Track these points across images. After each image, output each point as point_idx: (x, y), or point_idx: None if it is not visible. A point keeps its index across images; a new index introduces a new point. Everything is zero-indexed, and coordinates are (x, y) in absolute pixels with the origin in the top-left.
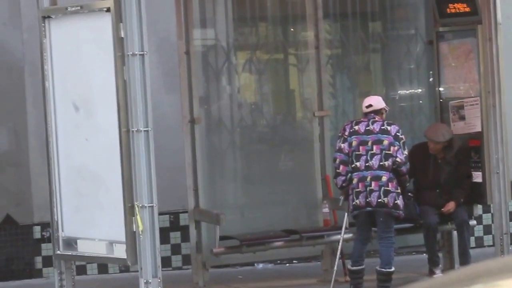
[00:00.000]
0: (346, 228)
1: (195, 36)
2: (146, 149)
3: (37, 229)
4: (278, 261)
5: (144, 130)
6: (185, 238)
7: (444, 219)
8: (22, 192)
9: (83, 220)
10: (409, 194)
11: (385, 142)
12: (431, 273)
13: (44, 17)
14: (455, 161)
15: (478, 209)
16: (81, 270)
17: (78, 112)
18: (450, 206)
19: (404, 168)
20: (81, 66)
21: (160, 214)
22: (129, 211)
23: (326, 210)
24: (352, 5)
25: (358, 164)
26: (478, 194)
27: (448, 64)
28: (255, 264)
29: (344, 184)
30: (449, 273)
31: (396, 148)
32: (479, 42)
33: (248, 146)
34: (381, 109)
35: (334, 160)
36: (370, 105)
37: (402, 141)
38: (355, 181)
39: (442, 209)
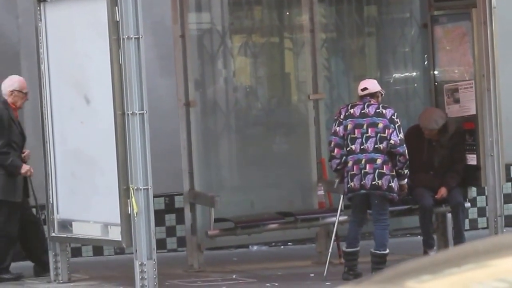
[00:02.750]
0: (341, 211)
1: (190, 19)
2: (141, 132)
3: (32, 211)
4: (273, 243)
5: (139, 113)
6: (180, 220)
7: (439, 201)
8: None
9: (78, 203)
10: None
11: (380, 125)
12: (426, 255)
13: (39, 1)
14: (450, 144)
15: (473, 191)
16: (76, 252)
17: (89, 105)
18: (442, 192)
19: (400, 149)
20: (76, 50)
21: (155, 196)
22: (124, 194)
23: (321, 192)
24: None
25: (353, 147)
26: (472, 176)
27: (443, 47)
28: (250, 246)
29: (339, 167)
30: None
31: (391, 131)
32: (473, 26)
33: (243, 129)
34: (376, 92)
35: (329, 143)
36: (366, 88)
37: (397, 124)
38: (350, 164)
39: (435, 196)
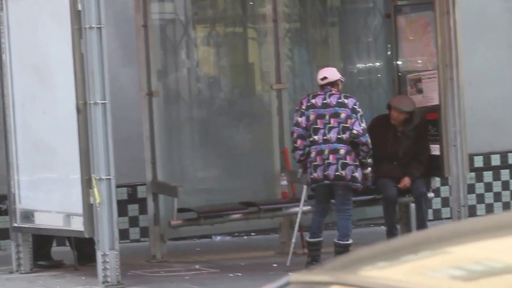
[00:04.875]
0: (304, 201)
1: (153, 9)
2: (103, 121)
3: None
4: (236, 234)
5: (102, 103)
6: (143, 210)
7: (403, 191)
8: None
9: (40, 193)
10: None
11: (342, 115)
12: None
13: None
14: (414, 134)
15: (436, 181)
16: None
17: (51, 94)
18: (406, 181)
19: (363, 138)
20: (38, 39)
21: (118, 186)
22: (86, 184)
23: (284, 182)
24: None
25: (316, 137)
26: (436, 166)
27: (406, 37)
28: (213, 237)
29: (302, 158)
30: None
31: (353, 120)
32: (436, 16)
33: (206, 119)
34: (336, 80)
35: (292, 134)
36: (325, 77)
37: (360, 114)
38: (313, 154)
39: (398, 185)
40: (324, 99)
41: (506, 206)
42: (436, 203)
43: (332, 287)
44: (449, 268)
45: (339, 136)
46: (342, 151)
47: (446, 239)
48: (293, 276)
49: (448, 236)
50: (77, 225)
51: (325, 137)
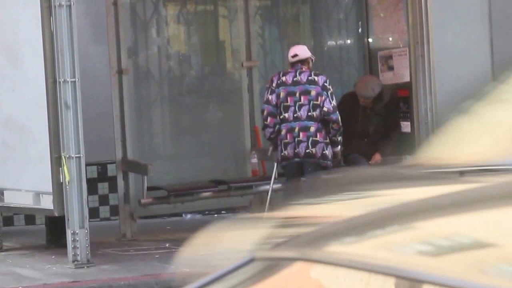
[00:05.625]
0: (275, 178)
1: None
2: (73, 99)
3: None
4: (207, 212)
5: (71, 81)
6: (113, 189)
7: None
8: None
9: (10, 171)
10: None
11: (313, 93)
12: None
13: None
14: (385, 112)
15: (407, 159)
16: (8, 222)
17: (20, 72)
18: (377, 158)
19: (333, 116)
20: (7, 17)
21: (87, 165)
22: (56, 162)
23: (254, 160)
24: None
25: (286, 115)
26: (407, 144)
27: (377, 14)
28: (183, 215)
29: (272, 136)
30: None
31: (323, 98)
32: None
33: (176, 97)
34: (307, 58)
35: (262, 111)
36: (296, 55)
37: (330, 91)
38: (283, 132)
39: (370, 162)
40: (295, 76)
41: None
42: None
43: (297, 263)
44: (417, 243)
45: (309, 114)
46: (312, 129)
47: (414, 214)
48: (258, 252)
49: (416, 211)
50: (47, 203)
51: (295, 115)
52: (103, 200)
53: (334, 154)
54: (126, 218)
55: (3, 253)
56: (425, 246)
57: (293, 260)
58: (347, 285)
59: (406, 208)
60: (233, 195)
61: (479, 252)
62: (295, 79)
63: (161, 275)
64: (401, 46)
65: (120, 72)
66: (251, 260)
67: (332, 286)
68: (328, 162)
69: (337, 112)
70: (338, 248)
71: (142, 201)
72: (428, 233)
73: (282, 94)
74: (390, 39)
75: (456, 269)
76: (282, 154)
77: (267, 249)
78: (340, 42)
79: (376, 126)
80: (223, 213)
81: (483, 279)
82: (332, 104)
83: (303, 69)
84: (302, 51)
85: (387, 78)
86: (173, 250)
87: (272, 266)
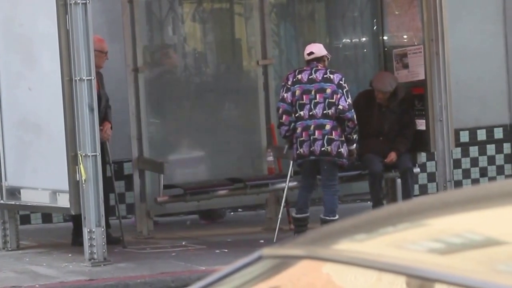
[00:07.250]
0: (291, 176)
1: None
2: (89, 98)
3: None
4: (223, 209)
5: (87, 79)
6: (130, 187)
7: (389, 166)
8: None
9: (26, 170)
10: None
11: (328, 91)
12: None
13: None
14: (400, 110)
15: (422, 156)
16: (25, 220)
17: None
18: (392, 156)
19: (348, 114)
20: (23, 15)
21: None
22: (73, 160)
23: (270, 158)
24: None
25: (302, 113)
26: (422, 141)
27: (392, 12)
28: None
29: (287, 134)
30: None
31: (339, 96)
32: None
33: (192, 95)
34: (322, 56)
35: (278, 110)
36: (312, 53)
37: (345, 89)
38: (299, 130)
39: (385, 160)
40: (310, 74)
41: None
42: (422, 178)
43: (304, 261)
44: (428, 241)
45: (324, 112)
46: (328, 127)
47: (425, 212)
48: (265, 250)
49: (427, 209)
50: (64, 202)
51: (311, 113)
52: (120, 198)
53: (350, 152)
54: (143, 216)
55: (20, 251)
56: (436, 244)
57: (300, 258)
58: (355, 283)
59: (417, 205)
60: (249, 193)
61: (490, 249)
62: (310, 77)
63: (177, 273)
64: (416, 43)
65: (136, 70)
66: (259, 258)
67: (340, 284)
68: (344, 160)
69: (353, 110)
70: (346, 246)
71: (159, 199)
72: (439, 231)
73: (297, 92)
74: (405, 36)
75: (468, 267)
76: (298, 152)
77: (275, 247)
78: (355, 40)
79: (392, 124)
80: (239, 211)
81: (495, 277)
82: (347, 102)
83: (319, 67)
84: (317, 49)
85: (402, 76)
86: (190, 248)
87: (279, 264)
